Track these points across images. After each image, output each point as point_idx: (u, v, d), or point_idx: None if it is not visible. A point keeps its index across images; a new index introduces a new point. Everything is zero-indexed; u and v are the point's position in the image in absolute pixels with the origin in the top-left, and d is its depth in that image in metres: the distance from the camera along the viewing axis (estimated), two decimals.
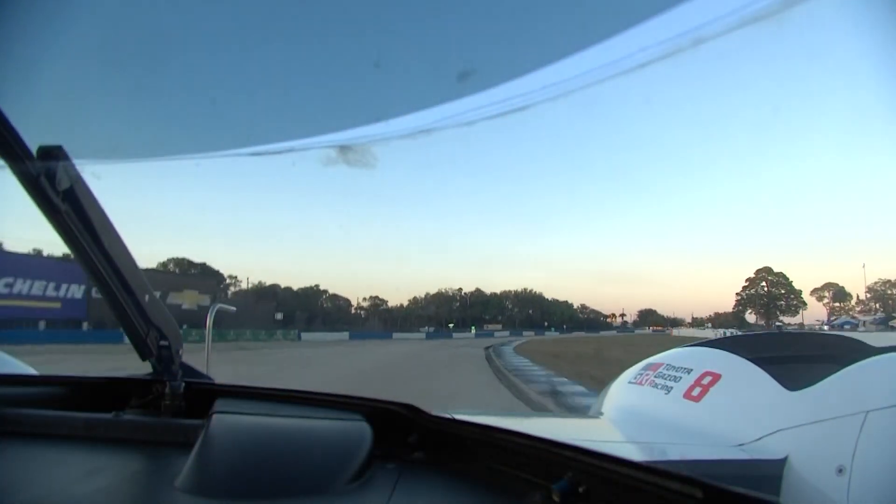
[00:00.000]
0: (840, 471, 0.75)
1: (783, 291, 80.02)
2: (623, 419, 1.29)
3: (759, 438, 0.91)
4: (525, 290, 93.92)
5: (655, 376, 1.27)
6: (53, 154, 0.75)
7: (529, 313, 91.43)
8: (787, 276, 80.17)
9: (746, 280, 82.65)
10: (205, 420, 0.80)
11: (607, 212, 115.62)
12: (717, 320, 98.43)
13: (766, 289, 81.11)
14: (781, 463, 0.84)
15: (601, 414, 1.38)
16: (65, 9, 0.81)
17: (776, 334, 1.57)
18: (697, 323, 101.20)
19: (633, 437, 1.19)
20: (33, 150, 0.74)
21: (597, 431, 1.25)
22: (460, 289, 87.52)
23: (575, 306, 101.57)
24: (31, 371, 1.29)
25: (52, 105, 0.89)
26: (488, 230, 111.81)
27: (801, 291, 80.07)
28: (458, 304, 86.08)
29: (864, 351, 1.04)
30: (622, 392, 1.40)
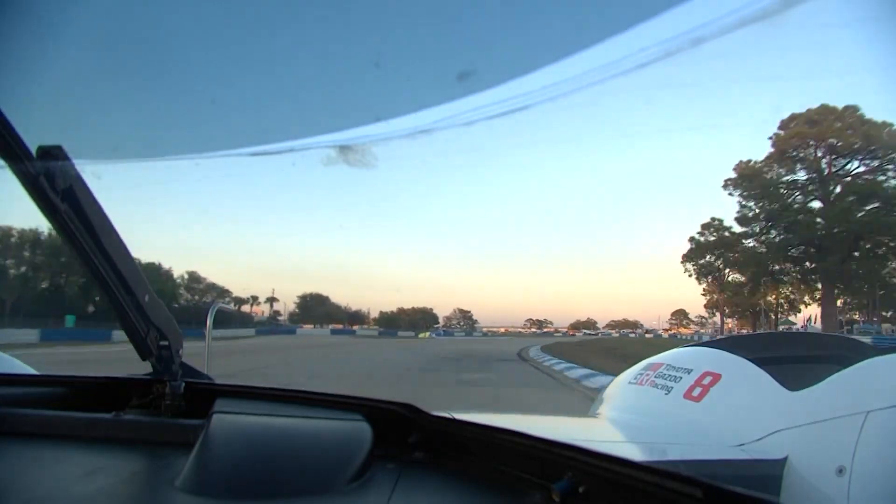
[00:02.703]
0: (840, 471, 0.75)
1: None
2: (623, 419, 1.29)
3: (760, 438, 0.91)
4: None
5: (656, 376, 1.27)
6: (53, 154, 0.75)
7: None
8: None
9: (690, 239, 41.60)
10: (205, 420, 0.80)
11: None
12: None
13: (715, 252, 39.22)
14: (781, 463, 0.84)
15: (601, 414, 1.38)
16: (65, 9, 0.81)
17: (776, 334, 1.57)
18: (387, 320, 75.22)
19: (633, 437, 1.19)
20: (33, 150, 0.74)
21: (597, 431, 1.25)
22: None
23: (177, 275, 51.27)
24: (32, 371, 1.29)
25: (52, 105, 0.89)
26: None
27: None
28: None
29: (863, 351, 1.04)
30: (622, 392, 1.40)
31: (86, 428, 0.90)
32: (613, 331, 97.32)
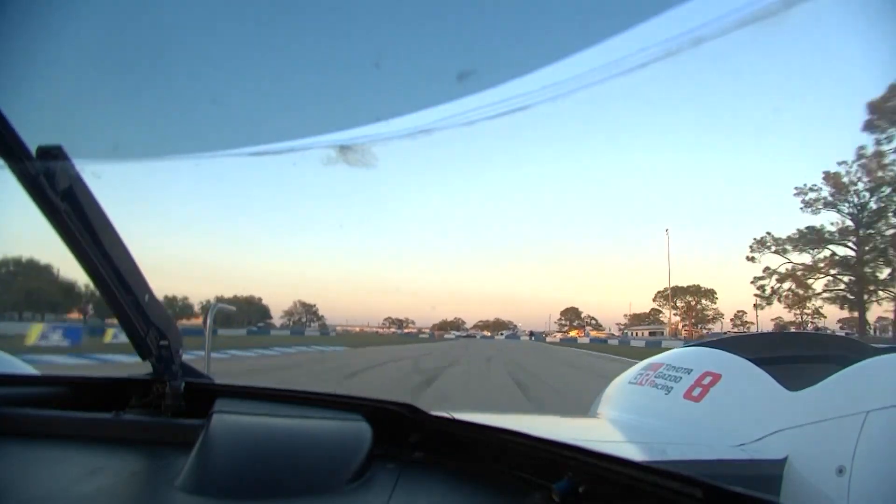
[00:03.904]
0: (840, 471, 0.75)
1: None
2: (623, 419, 1.29)
3: (760, 438, 0.91)
4: None
5: (656, 376, 1.27)
6: (53, 154, 0.75)
7: None
8: None
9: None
10: (205, 420, 0.80)
11: None
12: None
13: None
14: (781, 463, 0.84)
15: (601, 414, 1.38)
16: (65, 9, 0.81)
17: (776, 334, 1.57)
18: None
19: (633, 438, 1.19)
20: (33, 150, 0.74)
21: (597, 431, 1.25)
22: None
23: None
24: (32, 371, 1.29)
25: (52, 105, 0.89)
26: None
27: None
28: None
29: (863, 351, 1.04)
30: (622, 392, 1.40)
31: (86, 428, 0.90)
32: (485, 331, 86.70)
